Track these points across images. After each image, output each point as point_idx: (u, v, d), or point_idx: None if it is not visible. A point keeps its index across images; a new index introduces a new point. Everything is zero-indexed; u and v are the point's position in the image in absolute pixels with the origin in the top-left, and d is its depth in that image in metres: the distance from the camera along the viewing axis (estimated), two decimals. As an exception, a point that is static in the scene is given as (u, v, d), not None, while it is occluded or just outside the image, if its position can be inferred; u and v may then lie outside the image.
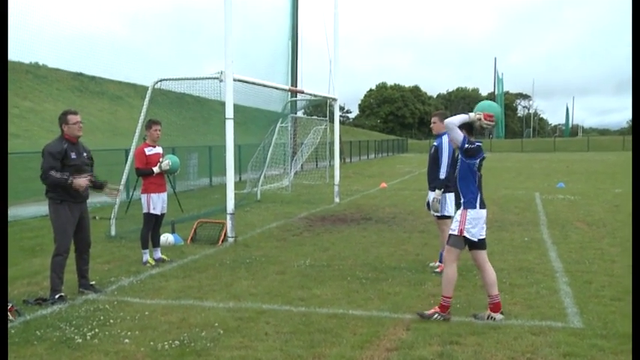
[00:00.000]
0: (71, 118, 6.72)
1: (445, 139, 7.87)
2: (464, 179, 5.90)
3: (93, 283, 7.11)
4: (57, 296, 6.55)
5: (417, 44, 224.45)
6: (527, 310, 6.12)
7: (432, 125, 8.12)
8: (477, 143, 5.91)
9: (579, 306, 6.22)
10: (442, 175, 7.75)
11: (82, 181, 6.62)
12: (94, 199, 7.21)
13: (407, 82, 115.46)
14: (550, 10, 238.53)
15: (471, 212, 5.84)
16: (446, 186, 7.82)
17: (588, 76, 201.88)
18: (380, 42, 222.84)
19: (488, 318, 5.81)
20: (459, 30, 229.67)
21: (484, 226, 5.95)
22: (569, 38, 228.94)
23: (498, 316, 5.83)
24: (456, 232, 5.89)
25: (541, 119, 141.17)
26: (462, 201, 5.91)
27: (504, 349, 5.03)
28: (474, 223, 5.84)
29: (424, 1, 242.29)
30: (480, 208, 5.88)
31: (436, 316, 5.79)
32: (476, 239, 5.87)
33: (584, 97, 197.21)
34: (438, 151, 7.87)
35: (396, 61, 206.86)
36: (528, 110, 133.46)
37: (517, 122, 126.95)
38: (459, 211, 5.93)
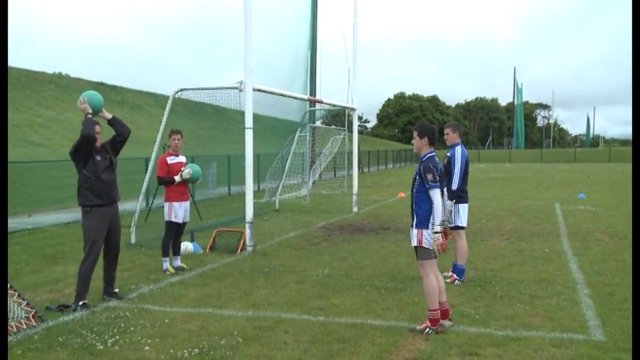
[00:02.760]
0: None
1: (458, 150, 7.88)
2: (418, 199, 5.85)
3: (117, 290, 7.21)
4: (81, 303, 6.64)
5: (438, 54, 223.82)
6: (547, 322, 6.06)
7: (445, 136, 8.11)
8: (429, 154, 5.92)
9: (601, 318, 6.15)
10: (454, 186, 7.76)
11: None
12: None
13: (427, 93, 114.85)
14: (578, 19, 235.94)
15: (425, 232, 5.81)
16: (458, 196, 7.82)
17: (613, 86, 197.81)
18: (400, 52, 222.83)
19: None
20: (482, 40, 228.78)
21: None
22: (595, 47, 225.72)
23: (447, 322, 5.89)
24: (416, 244, 5.86)
25: (561, 129, 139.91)
26: (414, 222, 5.86)
27: (525, 361, 4.99)
28: (430, 238, 5.82)
29: (446, 11, 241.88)
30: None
31: (428, 330, 5.71)
32: (432, 248, 5.88)
33: (608, 107, 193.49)
34: (450, 162, 7.87)
35: (416, 71, 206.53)
36: (548, 120, 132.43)
37: (537, 132, 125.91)
38: (414, 231, 5.86)
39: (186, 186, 8.91)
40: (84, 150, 6.75)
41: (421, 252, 5.88)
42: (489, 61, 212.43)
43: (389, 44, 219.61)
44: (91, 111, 6.79)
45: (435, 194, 5.73)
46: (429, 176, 5.73)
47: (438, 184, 5.77)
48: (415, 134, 6.02)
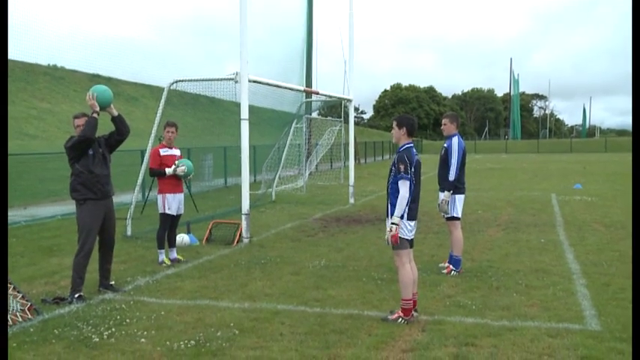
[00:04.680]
0: (75, 121, 6.98)
1: (455, 140, 7.87)
2: (394, 189, 5.83)
3: (112, 283, 7.20)
4: (76, 295, 6.63)
5: (435, 45, 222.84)
6: (543, 312, 6.07)
7: (442, 127, 8.13)
8: (407, 145, 5.89)
9: (597, 308, 6.16)
10: (452, 176, 7.76)
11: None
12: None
13: (423, 84, 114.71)
14: (582, 9, 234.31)
15: (401, 222, 5.80)
16: (455, 187, 7.82)
17: (612, 76, 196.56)
18: (396, 43, 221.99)
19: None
20: (480, 31, 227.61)
21: (414, 229, 5.98)
22: (597, 37, 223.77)
23: (414, 313, 5.88)
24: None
25: (557, 120, 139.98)
26: (389, 210, 5.84)
27: (521, 351, 5.00)
28: (408, 228, 5.84)
29: (443, 2, 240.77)
30: (409, 219, 5.83)
31: (400, 320, 5.74)
32: (408, 238, 5.90)
33: (607, 97, 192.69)
34: (447, 152, 7.87)
35: (412, 62, 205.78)
36: (544, 111, 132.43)
37: (533, 123, 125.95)
38: (389, 220, 5.85)
39: (180, 178, 8.86)
40: (80, 149, 6.73)
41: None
42: (486, 52, 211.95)
43: (385, 36, 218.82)
44: (98, 108, 6.73)
45: (404, 185, 5.74)
46: (401, 167, 5.76)
47: (409, 175, 5.75)
48: (394, 124, 6.03)
